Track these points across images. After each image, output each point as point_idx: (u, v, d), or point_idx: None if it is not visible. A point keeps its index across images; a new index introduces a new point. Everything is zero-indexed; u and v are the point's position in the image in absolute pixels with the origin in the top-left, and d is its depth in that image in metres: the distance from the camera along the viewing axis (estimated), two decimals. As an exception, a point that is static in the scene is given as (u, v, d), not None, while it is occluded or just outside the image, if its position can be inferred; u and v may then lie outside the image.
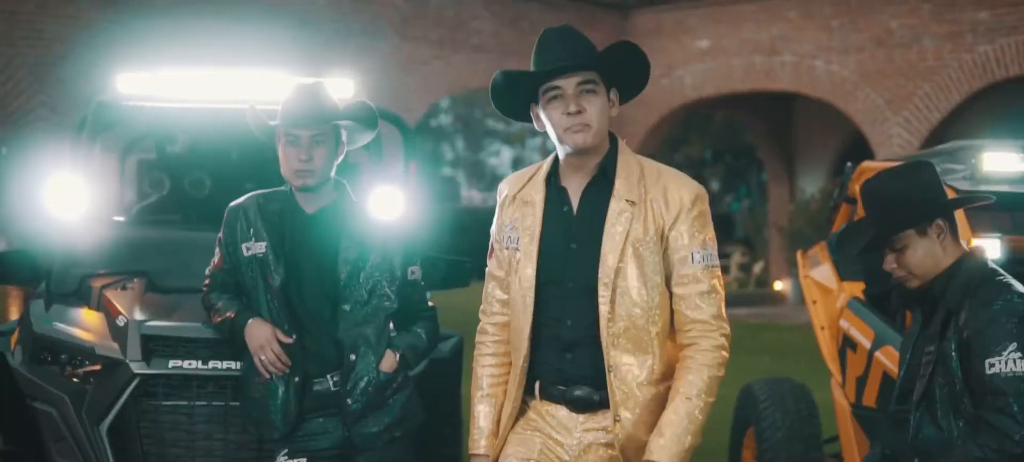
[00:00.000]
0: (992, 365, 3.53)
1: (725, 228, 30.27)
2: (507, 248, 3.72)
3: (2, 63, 14.02)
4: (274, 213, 4.49)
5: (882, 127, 18.08)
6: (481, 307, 3.89)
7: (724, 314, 3.63)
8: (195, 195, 7.09)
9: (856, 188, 6.55)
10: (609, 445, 3.60)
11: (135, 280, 5.35)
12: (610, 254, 3.54)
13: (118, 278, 5.39)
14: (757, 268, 25.75)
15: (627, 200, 3.56)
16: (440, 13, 18.90)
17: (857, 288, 6.38)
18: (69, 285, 5.41)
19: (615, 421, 3.55)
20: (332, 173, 4.49)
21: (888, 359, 5.58)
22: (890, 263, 3.86)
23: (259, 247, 4.44)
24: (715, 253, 3.64)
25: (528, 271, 3.62)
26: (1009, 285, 3.71)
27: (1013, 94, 18.63)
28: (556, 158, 3.70)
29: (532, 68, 3.57)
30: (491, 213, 3.88)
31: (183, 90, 5.91)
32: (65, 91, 14.38)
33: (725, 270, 27.22)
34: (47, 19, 14.55)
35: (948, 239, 3.84)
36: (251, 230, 4.47)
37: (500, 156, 48.63)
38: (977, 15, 17.40)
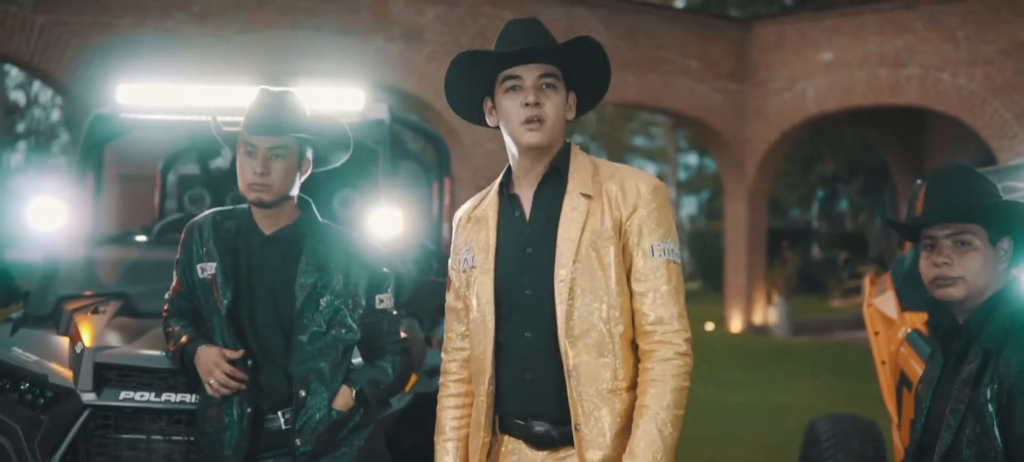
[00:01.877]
0: None
1: (858, 248, 29.36)
2: (463, 271, 3.49)
3: (100, 76, 14.02)
4: (229, 232, 4.11)
5: (1011, 143, 17.13)
6: (442, 346, 3.66)
7: (685, 313, 3.37)
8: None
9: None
10: None
11: (111, 303, 5.04)
12: (566, 251, 3.30)
13: (94, 301, 5.08)
14: (889, 289, 24.79)
15: (582, 194, 3.35)
16: (553, 26, 18.35)
17: (919, 319, 5.77)
18: (45, 308, 5.14)
19: (575, 430, 3.26)
20: (293, 191, 4.09)
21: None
22: (945, 254, 3.26)
23: (211, 268, 4.06)
24: (676, 249, 3.40)
25: (486, 286, 3.39)
26: None
27: None
28: (508, 168, 3.49)
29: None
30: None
31: (181, 103, 5.62)
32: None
33: (856, 291, 26.38)
34: (145, 32, 14.54)
35: (1004, 265, 3.28)
36: (204, 250, 4.09)
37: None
38: (1111, 25, 16.45)
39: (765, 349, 18.66)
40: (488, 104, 3.43)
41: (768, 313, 21.38)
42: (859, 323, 22.99)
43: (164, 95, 5.66)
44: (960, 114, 17.99)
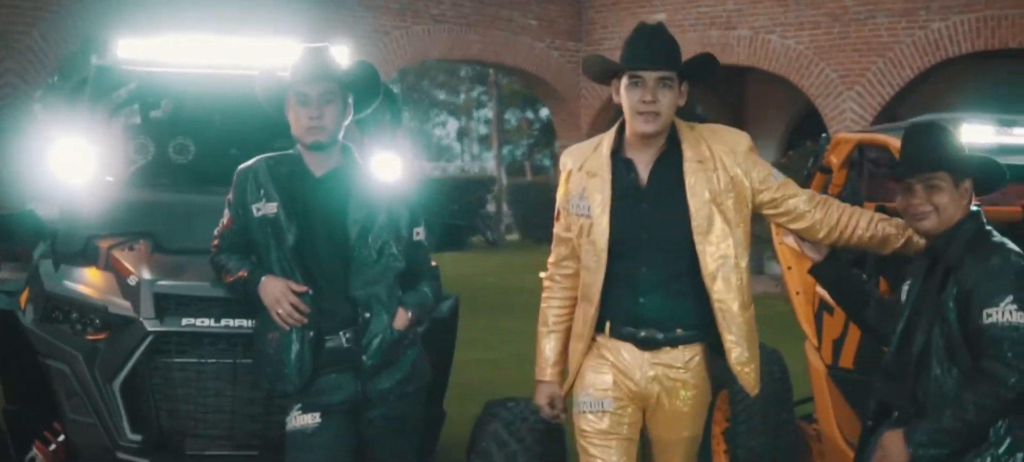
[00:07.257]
0: (989, 315, 3.76)
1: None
2: (578, 215, 4.29)
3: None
4: (284, 176, 4.63)
5: (835, 101, 18.34)
6: (550, 258, 4.52)
7: None
8: (179, 161, 7.15)
9: (832, 159, 6.72)
10: (668, 377, 4.25)
11: (140, 241, 5.43)
12: (697, 207, 4.16)
13: (123, 239, 5.47)
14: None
15: (697, 161, 4.19)
16: (402, -16, 18.94)
17: (831, 254, 6.53)
18: (75, 246, 5.49)
19: (727, 345, 4.22)
20: (341, 136, 4.65)
21: (865, 322, 5.73)
22: (918, 195, 4.07)
23: (270, 208, 4.57)
24: None
25: (601, 236, 4.21)
26: (1004, 244, 3.97)
27: (964, 71, 18.94)
28: (619, 131, 4.29)
29: (622, 54, 4.17)
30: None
31: (182, 56, 6.00)
32: (34, 59, 14.28)
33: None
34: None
35: (967, 200, 4.09)
36: (261, 191, 4.60)
37: (446, 127, 48.84)
38: (931, -8, 17.67)
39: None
40: (614, 83, 4.23)
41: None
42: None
43: (162, 49, 6.01)
44: (788, 74, 19.12)
